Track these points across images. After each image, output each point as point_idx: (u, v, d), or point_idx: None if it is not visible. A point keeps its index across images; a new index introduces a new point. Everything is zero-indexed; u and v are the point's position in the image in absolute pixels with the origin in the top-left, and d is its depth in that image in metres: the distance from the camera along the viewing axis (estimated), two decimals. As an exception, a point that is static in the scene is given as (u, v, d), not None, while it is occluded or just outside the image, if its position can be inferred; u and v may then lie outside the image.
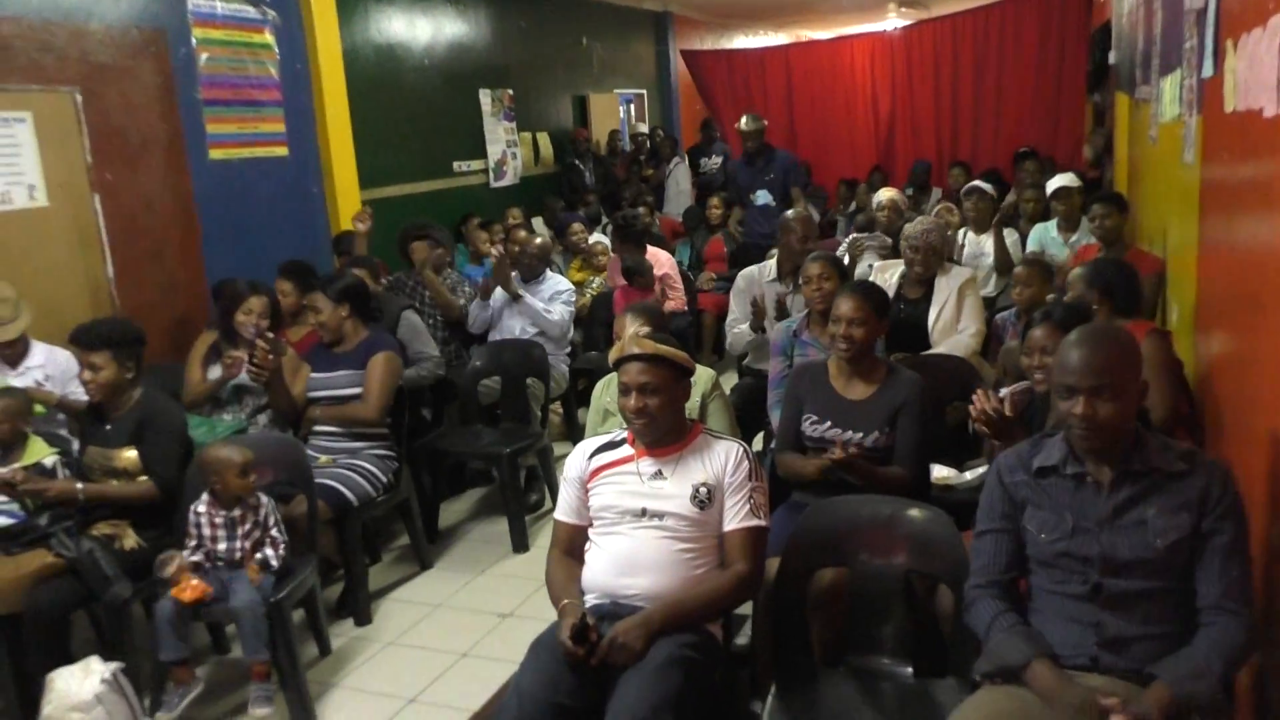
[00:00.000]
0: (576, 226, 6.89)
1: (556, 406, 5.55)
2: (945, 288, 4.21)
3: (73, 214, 4.84)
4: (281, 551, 3.18)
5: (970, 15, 9.47)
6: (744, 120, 7.32)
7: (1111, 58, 7.24)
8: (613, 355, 2.55)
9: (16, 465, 3.30)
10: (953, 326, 4.15)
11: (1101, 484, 1.99)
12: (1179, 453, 1.97)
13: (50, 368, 3.95)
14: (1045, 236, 5.47)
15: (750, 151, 7.36)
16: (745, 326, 4.53)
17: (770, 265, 4.72)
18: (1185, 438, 2.86)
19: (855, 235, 5.70)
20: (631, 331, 3.14)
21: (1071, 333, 2.05)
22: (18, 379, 3.86)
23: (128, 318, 4.14)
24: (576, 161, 9.30)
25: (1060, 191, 5.45)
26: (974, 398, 2.52)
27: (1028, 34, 9.08)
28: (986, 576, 2.09)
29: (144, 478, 3.33)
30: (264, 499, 3.23)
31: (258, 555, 3.14)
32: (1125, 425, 1.96)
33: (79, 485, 3.25)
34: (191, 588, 3.00)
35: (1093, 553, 1.95)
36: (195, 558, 3.11)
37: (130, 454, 3.33)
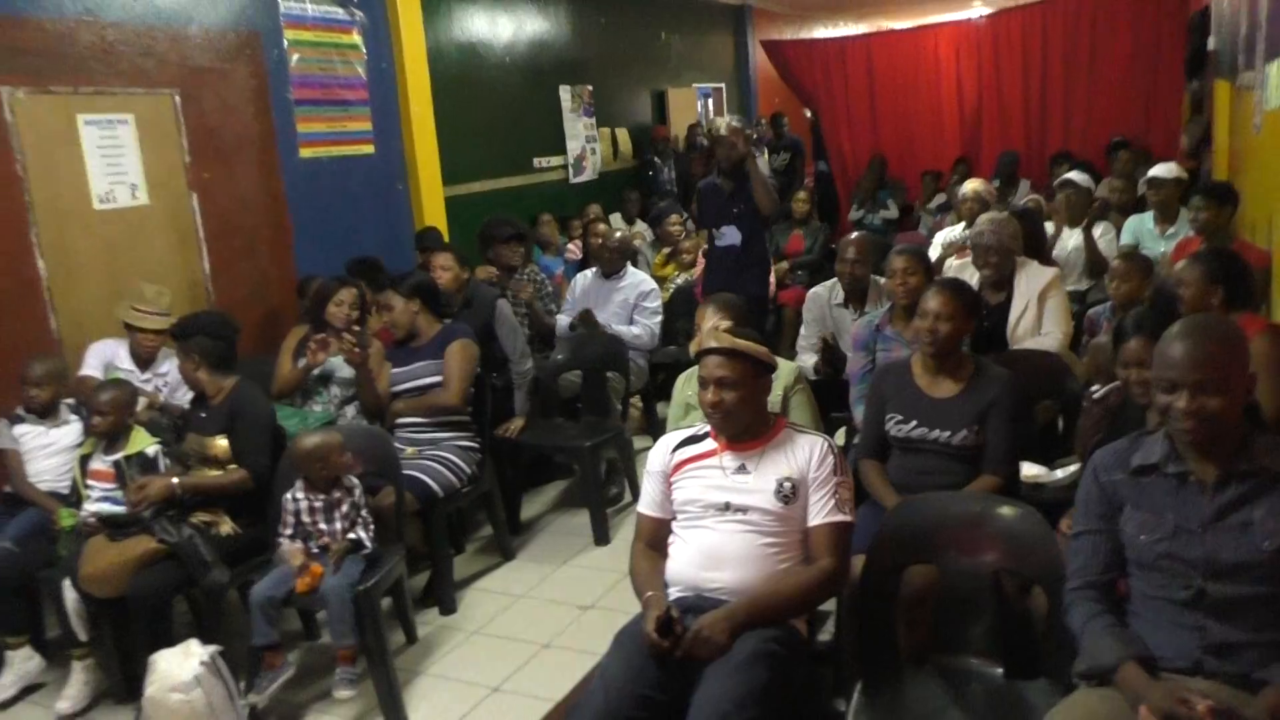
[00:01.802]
0: (675, 218, 6.85)
1: (636, 400, 5.57)
2: (1025, 289, 3.92)
3: (172, 212, 5.02)
4: (372, 533, 3.26)
5: (1061, 2, 9.19)
6: (722, 123, 5.39)
7: (1211, 43, 6.97)
8: (692, 348, 2.55)
9: (120, 454, 3.45)
10: (1034, 330, 3.88)
11: (1205, 484, 1.91)
12: None
13: (171, 376, 4.13)
14: (1140, 229, 5.28)
15: (724, 169, 5.22)
16: (813, 360, 4.19)
17: (839, 288, 4.41)
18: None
19: (955, 239, 5.39)
20: (710, 325, 3.13)
21: (1174, 325, 1.97)
22: (145, 382, 4.05)
23: (221, 311, 4.29)
24: (655, 158, 9.30)
25: (1154, 181, 5.24)
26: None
27: (1122, 20, 8.77)
28: (1084, 578, 2.03)
29: (234, 466, 3.45)
30: (355, 480, 3.31)
31: (350, 536, 3.22)
32: (1231, 421, 1.88)
33: (175, 480, 3.37)
34: (311, 573, 3.10)
35: (1195, 555, 1.88)
36: (296, 545, 3.20)
37: (222, 443, 3.46)
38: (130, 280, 4.45)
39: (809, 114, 9.38)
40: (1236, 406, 1.88)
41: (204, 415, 3.54)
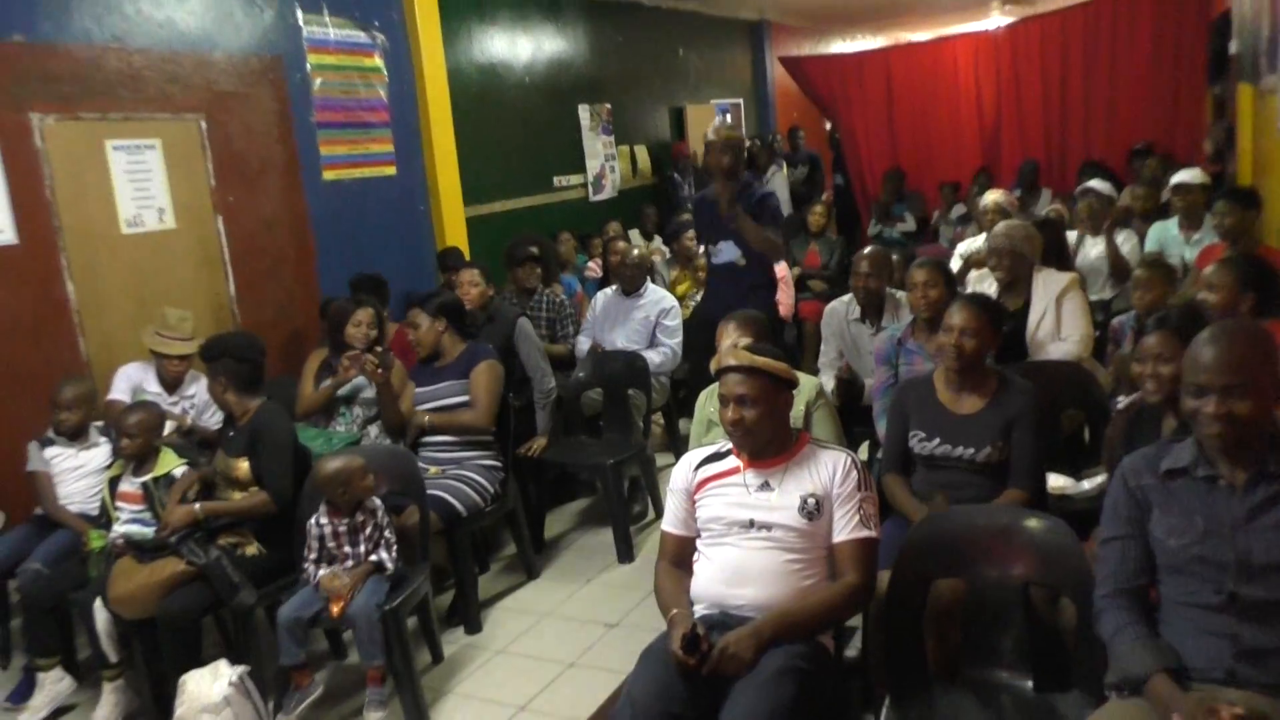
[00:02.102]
0: (691, 233, 6.84)
1: (658, 417, 5.57)
2: (1043, 294, 3.92)
3: (198, 235, 5.09)
4: (395, 553, 3.27)
5: (1080, 9, 9.14)
6: (710, 130, 4.86)
7: (1233, 47, 6.92)
8: (712, 365, 2.55)
9: (149, 476, 3.49)
10: (1053, 335, 3.87)
11: (1235, 486, 1.90)
12: None
13: (199, 398, 4.17)
14: (1165, 235, 5.23)
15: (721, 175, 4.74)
16: (833, 384, 4.10)
17: (854, 303, 4.33)
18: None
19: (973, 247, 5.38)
20: (729, 342, 3.12)
21: (1204, 330, 1.96)
22: (172, 405, 4.10)
23: (249, 332, 4.33)
24: (675, 175, 9.33)
25: (1180, 187, 5.19)
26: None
27: (1142, 25, 8.72)
28: (1114, 585, 2.01)
29: (256, 489, 3.47)
30: (378, 502, 3.33)
31: (372, 558, 3.23)
32: (1261, 425, 1.87)
33: (197, 506, 3.38)
34: (339, 602, 3.11)
35: (1226, 558, 1.86)
36: (323, 570, 3.21)
37: (244, 464, 3.48)
38: (157, 303, 4.51)
39: (829, 127, 9.40)
40: (1266, 410, 1.87)
41: (231, 435, 3.58)
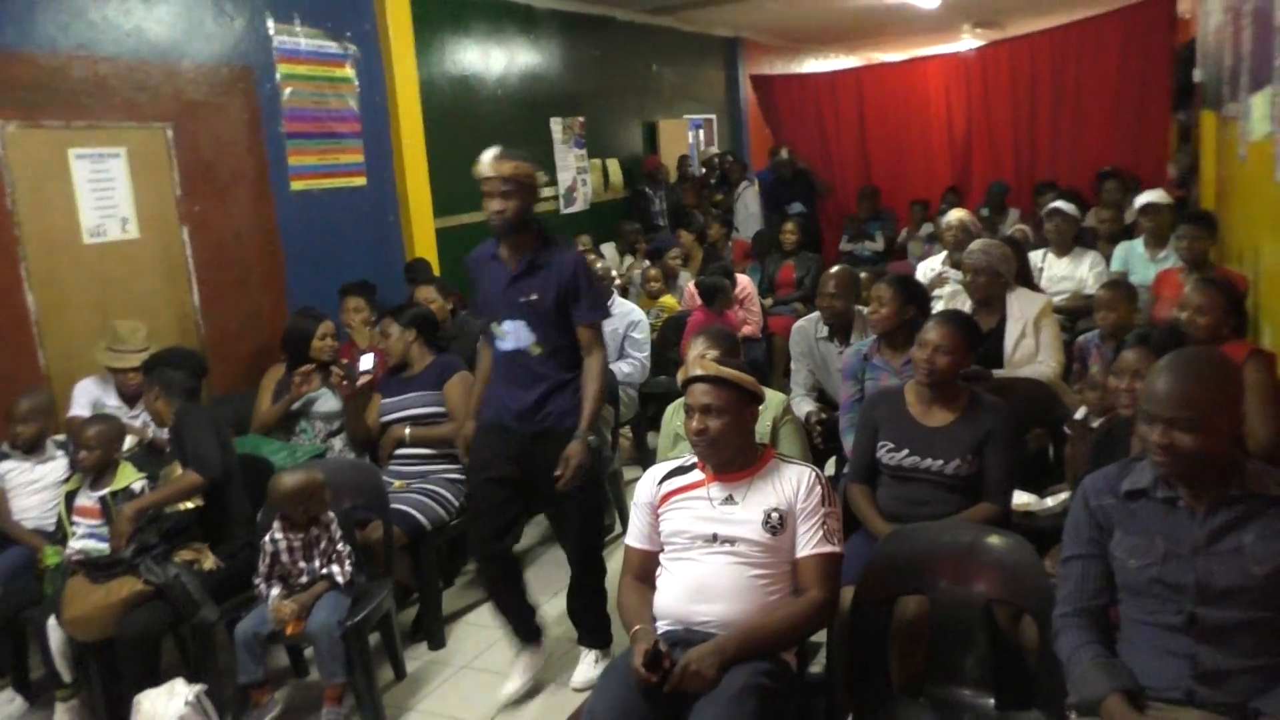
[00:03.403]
0: (675, 252, 6.88)
1: (626, 430, 5.55)
2: (1019, 314, 3.98)
3: (163, 245, 5.02)
4: (348, 567, 3.22)
5: (1048, 34, 9.29)
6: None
7: (1197, 75, 7.05)
8: (680, 375, 2.54)
9: (107, 490, 3.43)
10: (1031, 357, 3.93)
11: (1195, 509, 1.91)
12: (1279, 477, 1.89)
13: None
14: (1131, 255, 5.31)
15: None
16: (808, 407, 4.15)
17: (822, 321, 4.31)
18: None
19: (943, 270, 5.45)
20: (696, 353, 3.12)
21: (1162, 358, 1.97)
22: (133, 419, 4.04)
23: (189, 349, 4.26)
24: (646, 189, 9.35)
25: (1149, 207, 5.27)
26: None
27: (1108, 52, 8.87)
28: (1074, 604, 2.01)
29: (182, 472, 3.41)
30: (332, 515, 3.28)
31: (323, 572, 3.18)
32: (1208, 458, 1.87)
33: (128, 509, 3.30)
34: (294, 624, 3.07)
35: (1186, 580, 1.87)
36: (275, 589, 3.17)
37: (178, 466, 3.43)
38: (120, 314, 4.45)
39: (783, 152, 9.44)
40: (1215, 445, 1.87)
41: (167, 450, 3.56)
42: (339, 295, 5.32)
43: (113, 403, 4.10)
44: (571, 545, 3.37)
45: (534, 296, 3.17)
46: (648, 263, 7.09)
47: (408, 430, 4.01)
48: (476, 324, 4.92)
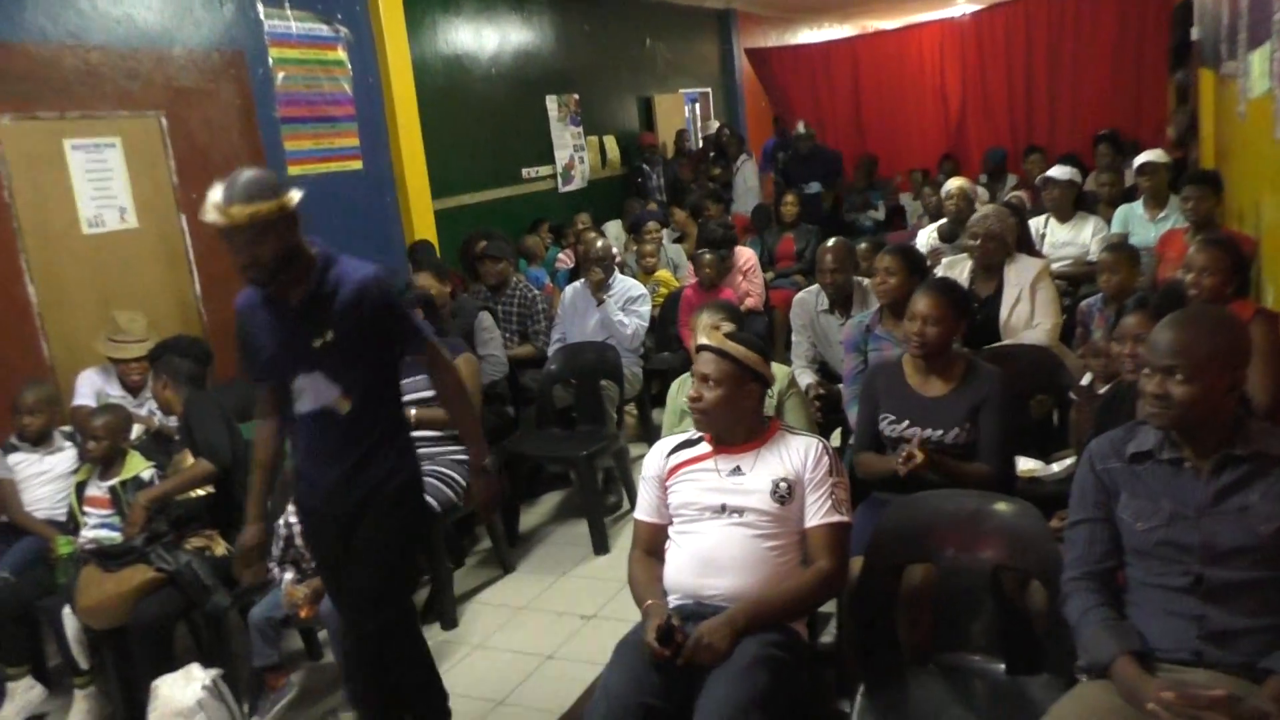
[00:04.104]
0: (651, 225, 6.86)
1: (631, 408, 5.57)
2: (1015, 281, 3.98)
3: (161, 234, 5.02)
4: None
5: (1044, -3, 9.24)
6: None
7: (1194, 34, 6.99)
8: (692, 344, 2.56)
9: (116, 479, 3.44)
10: (1028, 322, 3.93)
11: (1200, 469, 1.92)
12: None
13: None
14: (1131, 216, 5.29)
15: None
16: (808, 379, 4.16)
17: (823, 294, 4.34)
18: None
19: (936, 245, 5.44)
20: (707, 320, 3.13)
21: (1170, 315, 1.98)
22: (138, 408, 4.05)
23: (192, 338, 4.29)
24: (644, 165, 9.32)
25: (1146, 167, 5.25)
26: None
27: (1105, 13, 8.82)
28: (1082, 568, 2.02)
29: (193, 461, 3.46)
30: None
31: None
32: (1206, 411, 1.88)
33: (141, 498, 3.36)
34: (308, 608, 3.09)
35: (1192, 541, 1.88)
36: (289, 574, 3.19)
37: (188, 455, 3.46)
38: (121, 304, 4.44)
39: (801, 126, 9.26)
40: (1212, 397, 1.88)
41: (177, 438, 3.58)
42: None
43: (116, 392, 4.11)
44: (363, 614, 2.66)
45: (328, 336, 2.53)
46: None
47: (413, 411, 4.01)
48: (473, 303, 4.95)
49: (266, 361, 2.66)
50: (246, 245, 2.46)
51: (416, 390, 4.02)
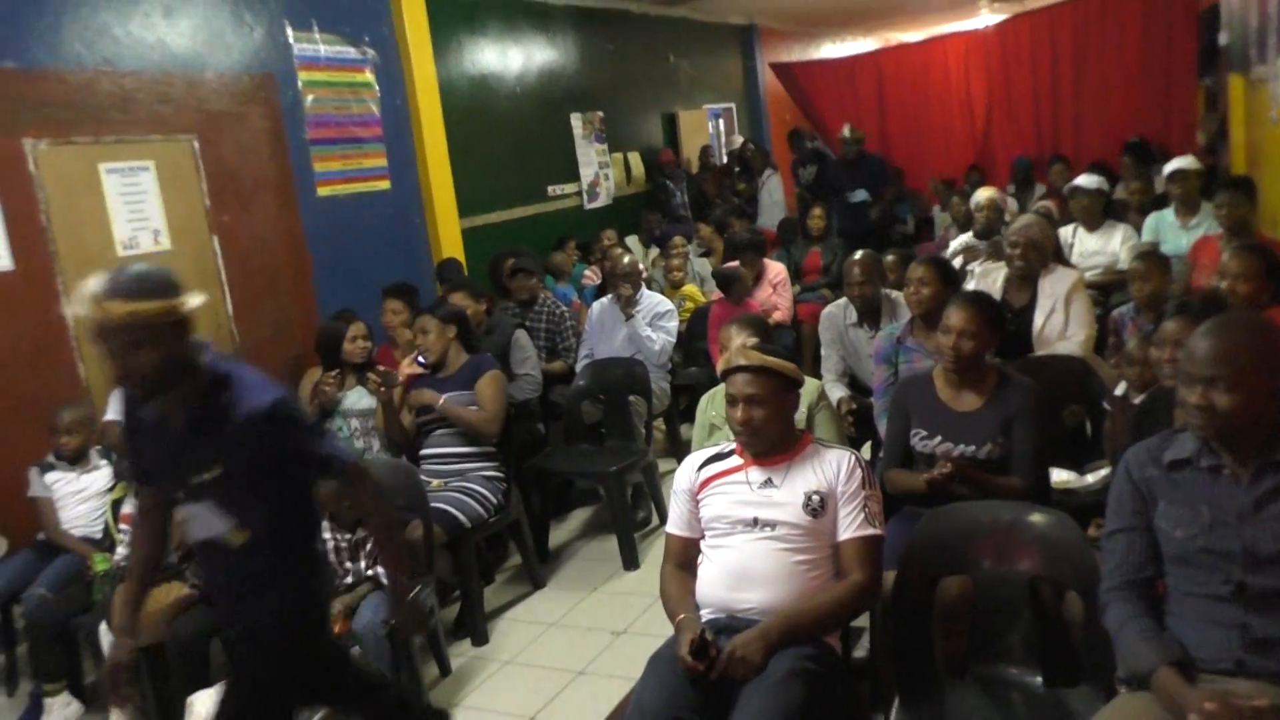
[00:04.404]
0: (678, 240, 6.88)
1: (659, 423, 5.56)
2: (1050, 291, 3.94)
3: (194, 255, 5.09)
4: None
5: (1069, 5, 9.19)
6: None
7: (1222, 39, 6.94)
8: (721, 366, 2.54)
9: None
10: (1060, 333, 3.89)
11: (1240, 476, 1.89)
12: None
13: None
14: (1161, 224, 5.24)
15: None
16: (840, 393, 4.16)
17: (851, 307, 4.32)
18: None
19: (968, 242, 5.42)
20: (739, 342, 3.12)
21: (1205, 322, 1.96)
22: None
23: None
24: (667, 181, 9.34)
25: (1177, 174, 5.20)
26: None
27: (1130, 20, 8.76)
28: (1120, 577, 2.00)
29: None
30: None
31: (368, 573, 3.22)
32: (1249, 419, 1.85)
33: None
34: (342, 623, 3.12)
35: (1234, 548, 1.86)
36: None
37: None
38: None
39: (846, 129, 9.02)
40: (1256, 405, 1.85)
41: None
42: (381, 296, 5.39)
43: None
44: None
45: (215, 471, 2.21)
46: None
47: (442, 399, 4.02)
48: (510, 321, 4.97)
49: (148, 470, 2.38)
50: (121, 350, 2.06)
51: (435, 412, 4.03)
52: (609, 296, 5.57)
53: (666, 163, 9.49)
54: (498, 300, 5.84)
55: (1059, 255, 4.79)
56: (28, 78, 4.38)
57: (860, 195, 8.30)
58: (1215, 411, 1.85)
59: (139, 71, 4.85)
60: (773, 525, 2.37)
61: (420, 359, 4.03)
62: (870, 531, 2.36)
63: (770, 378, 2.42)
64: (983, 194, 5.75)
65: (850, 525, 2.36)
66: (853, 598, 2.34)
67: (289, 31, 5.63)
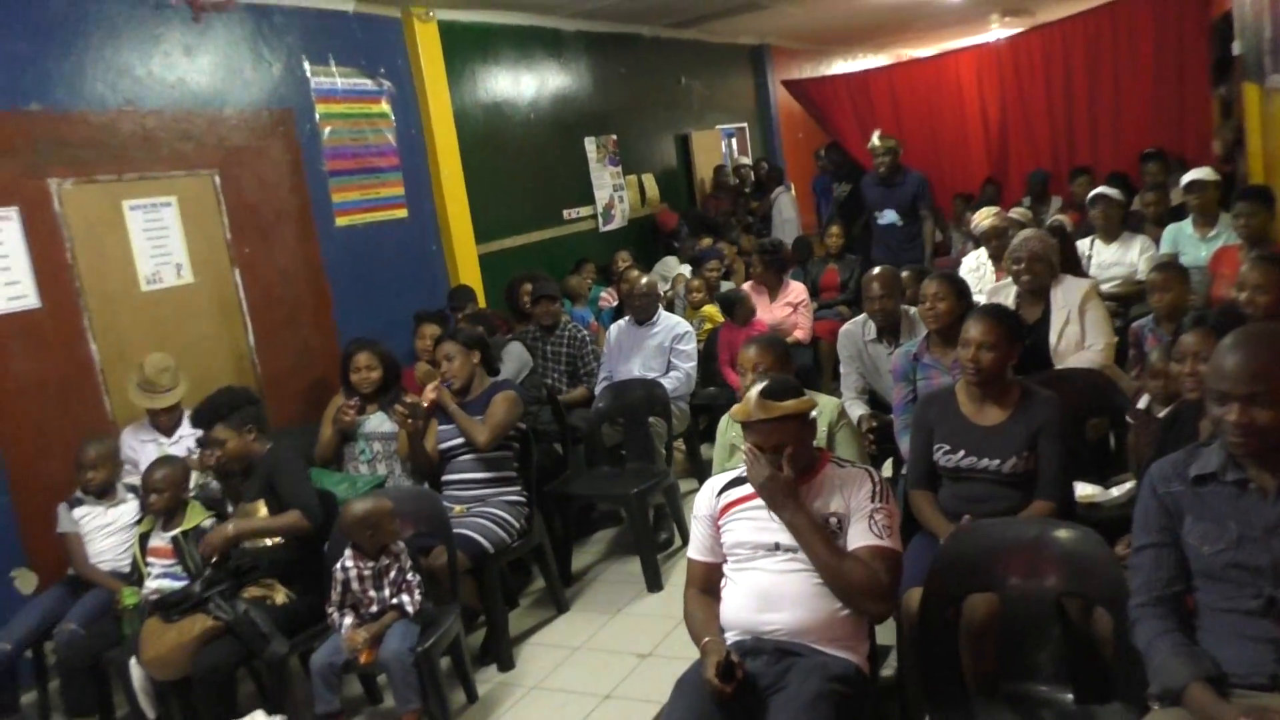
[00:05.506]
0: (714, 264, 6.88)
1: (680, 444, 5.56)
2: (1063, 302, 3.90)
3: (216, 288, 5.15)
4: (418, 596, 3.27)
5: (1080, 18, 9.18)
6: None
7: (1236, 48, 6.92)
8: (737, 412, 2.53)
9: (178, 530, 3.51)
10: (1078, 344, 3.85)
11: (1267, 490, 1.88)
12: None
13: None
14: (1180, 235, 5.21)
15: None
16: (860, 411, 4.12)
17: (871, 324, 4.30)
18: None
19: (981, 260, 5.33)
20: (754, 392, 3.03)
21: (1227, 336, 1.95)
22: (172, 447, 4.14)
23: (243, 386, 4.39)
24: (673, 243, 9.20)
25: (1195, 185, 5.16)
26: None
27: (1142, 31, 8.74)
28: (1149, 593, 1.98)
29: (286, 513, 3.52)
30: (402, 545, 3.34)
31: (393, 602, 3.23)
32: None
33: (230, 527, 3.46)
34: (367, 653, 3.12)
35: (1263, 563, 1.84)
36: (349, 618, 3.22)
37: (262, 506, 3.52)
38: (180, 358, 4.52)
39: (876, 138, 8.59)
40: None
41: (245, 483, 3.64)
42: (414, 322, 5.45)
43: (148, 436, 4.22)
44: None
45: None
46: (688, 270, 7.12)
47: (446, 394, 4.02)
48: (502, 340, 5.04)
49: None
50: None
51: (456, 437, 4.04)
52: (626, 319, 5.59)
53: (662, 227, 9.09)
54: (514, 324, 5.88)
55: (1076, 267, 4.77)
56: (52, 119, 4.45)
57: (889, 217, 7.28)
58: (1257, 428, 1.83)
59: (160, 110, 4.92)
60: (794, 550, 2.37)
61: (447, 384, 4.05)
62: (874, 541, 2.34)
63: (789, 421, 2.42)
64: (985, 220, 5.50)
65: (856, 537, 2.36)
66: (866, 579, 2.29)
67: (306, 66, 5.70)
